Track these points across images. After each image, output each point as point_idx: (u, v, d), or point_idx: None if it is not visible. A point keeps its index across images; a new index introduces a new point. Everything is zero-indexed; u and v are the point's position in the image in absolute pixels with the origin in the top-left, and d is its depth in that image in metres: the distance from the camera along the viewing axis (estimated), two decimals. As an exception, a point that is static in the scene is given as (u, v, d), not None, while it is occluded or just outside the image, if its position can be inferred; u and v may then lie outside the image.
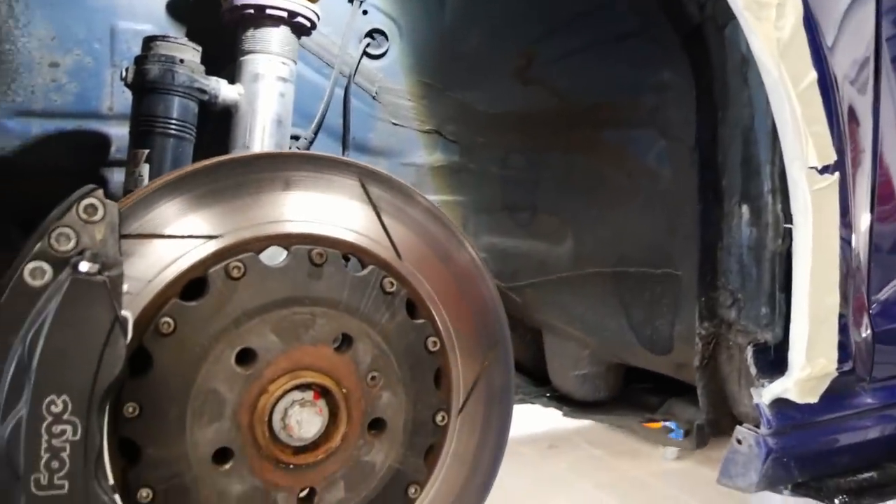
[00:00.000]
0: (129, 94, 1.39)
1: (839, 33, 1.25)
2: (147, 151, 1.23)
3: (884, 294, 1.42)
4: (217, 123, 1.35)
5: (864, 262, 1.40)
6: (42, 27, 1.35)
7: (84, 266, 0.89)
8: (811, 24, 1.16)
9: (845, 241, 1.32)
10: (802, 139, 1.15)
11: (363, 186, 1.11)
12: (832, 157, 1.18)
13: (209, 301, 1.00)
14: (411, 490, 1.16)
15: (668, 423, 1.73)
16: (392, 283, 1.11)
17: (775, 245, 1.37)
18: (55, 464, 0.88)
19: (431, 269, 1.16)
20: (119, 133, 1.44)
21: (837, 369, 1.29)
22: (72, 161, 1.42)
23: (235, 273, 1.01)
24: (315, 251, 1.06)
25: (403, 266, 1.13)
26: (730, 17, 1.34)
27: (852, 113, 1.30)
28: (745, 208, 1.41)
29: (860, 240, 1.38)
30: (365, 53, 1.62)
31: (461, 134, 1.75)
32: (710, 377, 1.49)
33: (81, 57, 1.39)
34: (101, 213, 0.93)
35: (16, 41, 1.34)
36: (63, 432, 0.88)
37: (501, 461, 1.24)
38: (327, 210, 1.09)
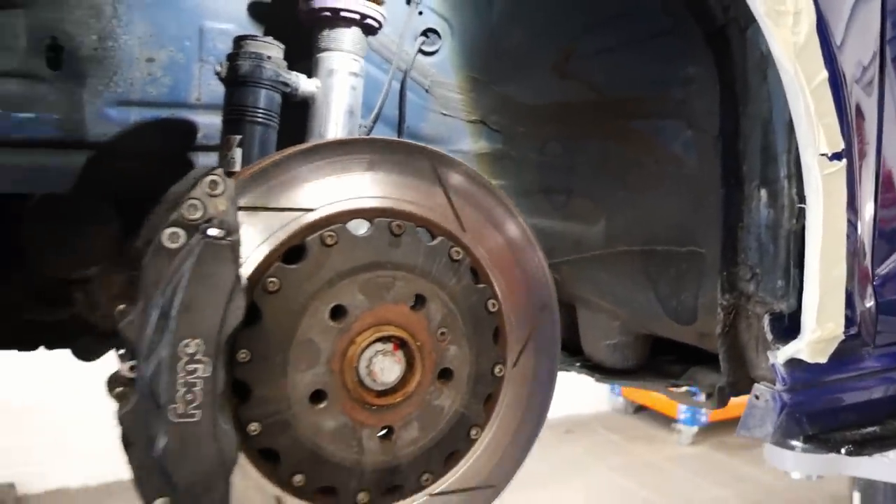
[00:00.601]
0: (214, 86, 1.57)
1: (846, 32, 1.42)
2: (239, 137, 1.40)
3: (885, 268, 1.59)
4: (292, 113, 1.52)
5: (869, 242, 1.57)
6: (141, 26, 1.51)
7: (213, 231, 1.07)
8: (823, 29, 1.33)
9: (851, 223, 1.49)
10: (815, 129, 1.33)
11: (434, 168, 1.28)
12: (840, 146, 1.35)
13: (307, 264, 1.18)
14: (473, 431, 1.34)
15: (691, 388, 1.90)
16: (458, 252, 1.29)
17: (790, 225, 1.55)
18: (189, 396, 1.06)
19: (491, 241, 1.34)
20: (205, 121, 1.60)
21: (844, 333, 1.46)
22: (163, 145, 1.59)
23: (329, 241, 1.19)
24: (394, 223, 1.24)
25: (467, 237, 1.31)
26: (751, 19, 1.50)
27: (858, 109, 1.47)
28: (763, 192, 1.58)
29: (865, 222, 1.55)
30: (420, 51, 1.79)
31: (503, 124, 1.91)
32: (731, 344, 1.66)
33: (174, 53, 1.55)
34: (222, 188, 1.10)
35: (118, 38, 1.50)
36: (196, 370, 1.06)
37: (548, 410, 1.42)
38: (404, 188, 1.26)
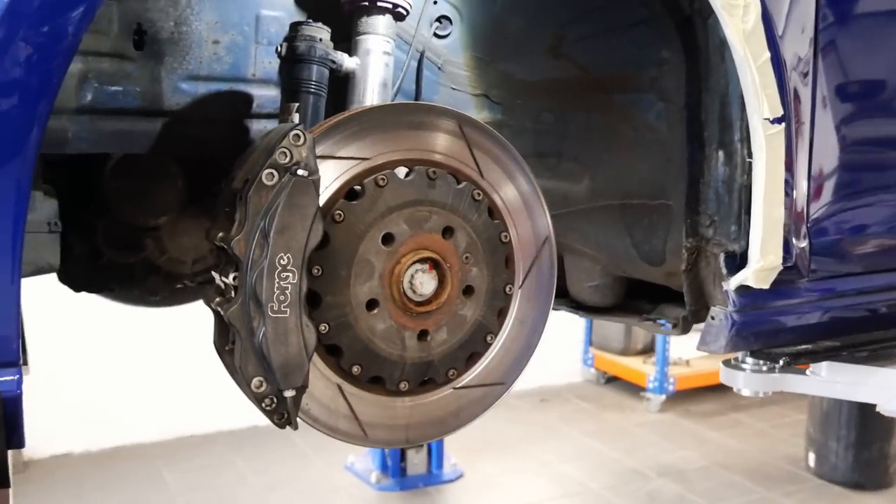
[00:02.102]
0: (267, 64, 1.85)
1: (786, 24, 1.75)
2: (297, 105, 1.70)
3: (816, 219, 1.94)
4: (333, 85, 1.81)
5: (803, 197, 1.90)
6: (209, 14, 1.76)
7: (301, 171, 1.38)
8: (767, 19, 1.66)
9: (788, 179, 1.82)
10: (760, 98, 1.67)
11: (460, 127, 1.62)
12: (780, 112, 1.70)
13: (365, 201, 1.50)
14: (488, 337, 1.67)
15: (659, 320, 2.25)
16: (479, 194, 1.62)
17: (742, 180, 1.89)
18: (282, 298, 1.38)
19: (503, 185, 1.67)
20: (258, 93, 1.86)
21: (782, 264, 1.82)
22: (224, 113, 1.84)
23: (381, 183, 1.51)
24: (430, 170, 1.56)
25: (485, 183, 1.64)
26: (712, 10, 1.84)
27: (796, 89, 1.80)
28: (720, 153, 1.92)
29: (799, 181, 1.87)
30: (434, 34, 2.06)
31: (504, 97, 2.19)
32: (693, 279, 2.00)
33: (235, 36, 1.80)
34: (303, 139, 1.41)
35: (191, 24, 1.75)
36: (287, 277, 1.38)
37: (546, 323, 1.76)
38: (437, 142, 1.59)
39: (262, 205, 1.37)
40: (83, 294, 2.23)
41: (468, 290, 1.62)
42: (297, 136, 1.40)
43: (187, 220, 2.08)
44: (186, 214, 2.07)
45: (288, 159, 1.39)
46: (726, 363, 2.12)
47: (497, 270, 1.65)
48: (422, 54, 2.06)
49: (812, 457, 5.44)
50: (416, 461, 5.30)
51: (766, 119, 1.70)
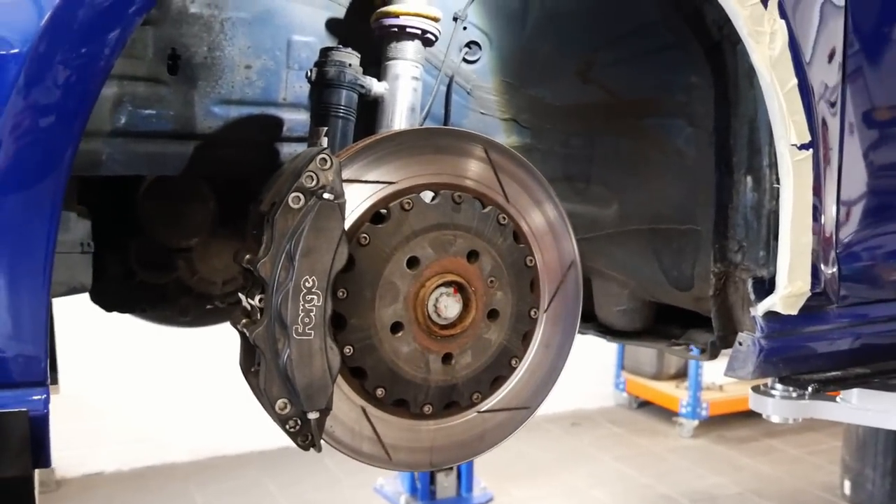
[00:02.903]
0: (298, 89, 1.88)
1: (813, 51, 1.76)
2: (325, 128, 1.72)
3: (846, 246, 1.92)
4: (362, 109, 1.84)
5: (832, 224, 1.88)
6: (242, 40, 1.80)
7: (327, 195, 1.40)
8: (794, 45, 1.67)
9: (817, 207, 1.81)
10: (787, 125, 1.67)
11: (486, 152, 1.63)
12: (808, 138, 1.70)
13: (390, 225, 1.52)
14: (513, 361, 1.67)
15: (688, 346, 2.23)
16: (504, 218, 1.63)
17: (770, 205, 1.88)
18: (307, 320, 1.39)
19: (529, 210, 1.68)
20: (289, 117, 1.89)
21: (811, 290, 1.80)
22: (255, 136, 1.87)
23: (407, 206, 1.53)
24: (456, 194, 1.57)
25: (511, 207, 1.65)
26: (740, 37, 1.85)
27: (824, 115, 1.80)
28: (749, 178, 1.92)
29: (828, 208, 1.86)
30: (464, 59, 2.08)
31: (532, 121, 2.20)
32: (721, 304, 2.00)
33: (267, 61, 1.83)
34: (329, 163, 1.43)
35: (224, 49, 1.79)
36: (311, 300, 1.39)
37: (571, 347, 1.75)
38: (463, 167, 1.60)
39: (288, 228, 1.39)
40: (115, 313, 2.27)
41: (493, 314, 1.63)
42: (324, 160, 1.42)
43: (218, 241, 2.11)
44: (217, 236, 2.10)
45: (314, 183, 1.41)
46: (755, 389, 2.10)
47: (522, 294, 1.66)
48: (451, 79, 2.08)
49: (848, 484, 5.36)
50: (446, 484, 5.28)
51: (793, 145, 1.69)
